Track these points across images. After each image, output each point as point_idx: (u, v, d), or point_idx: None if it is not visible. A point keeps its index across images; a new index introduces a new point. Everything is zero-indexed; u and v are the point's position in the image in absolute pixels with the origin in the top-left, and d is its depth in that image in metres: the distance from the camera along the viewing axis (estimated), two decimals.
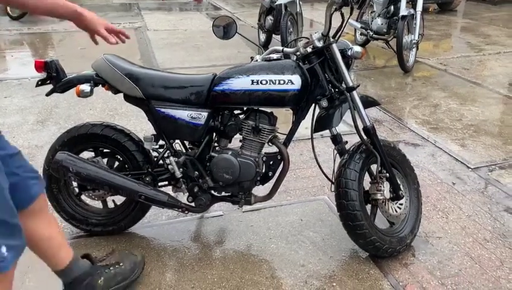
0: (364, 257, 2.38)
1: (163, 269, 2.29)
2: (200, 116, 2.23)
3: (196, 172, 2.31)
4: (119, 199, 2.50)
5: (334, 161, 2.38)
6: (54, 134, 3.76)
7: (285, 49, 2.34)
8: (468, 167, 3.29)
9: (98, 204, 2.56)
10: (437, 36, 7.29)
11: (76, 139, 2.34)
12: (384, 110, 4.21)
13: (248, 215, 2.69)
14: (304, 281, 2.21)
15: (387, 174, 2.32)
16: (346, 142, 2.40)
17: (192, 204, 2.35)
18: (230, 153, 2.27)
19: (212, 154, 2.28)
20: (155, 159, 2.35)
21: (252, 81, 2.17)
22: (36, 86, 2.28)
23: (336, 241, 2.49)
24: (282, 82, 2.17)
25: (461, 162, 3.36)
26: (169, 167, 2.31)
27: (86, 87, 2.23)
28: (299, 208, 2.78)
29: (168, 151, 2.32)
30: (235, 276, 2.24)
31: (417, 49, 5.46)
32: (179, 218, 2.68)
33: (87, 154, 2.42)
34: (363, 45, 6.04)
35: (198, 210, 2.38)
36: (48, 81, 2.29)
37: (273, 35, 6.30)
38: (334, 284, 2.20)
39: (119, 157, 2.41)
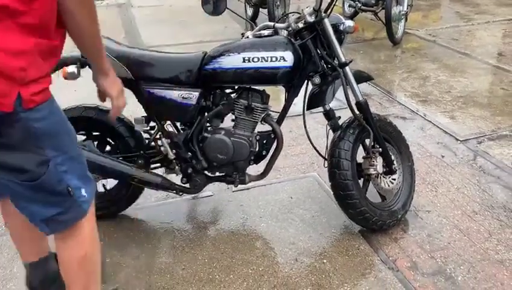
0: (354, 233, 2.39)
1: (154, 251, 2.28)
2: (191, 96, 2.18)
3: (189, 153, 2.28)
4: (110, 184, 2.47)
5: (327, 136, 2.36)
6: None
7: (277, 24, 2.29)
8: (457, 140, 3.29)
9: None
10: (426, 6, 7.20)
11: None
12: (373, 84, 4.17)
13: (238, 195, 2.67)
14: (294, 259, 2.22)
15: (380, 149, 2.31)
16: (339, 117, 2.38)
17: (187, 185, 2.33)
18: (223, 133, 2.23)
19: (205, 134, 2.24)
20: (147, 141, 2.31)
21: (244, 58, 2.12)
22: None
23: (325, 218, 2.49)
24: (274, 59, 2.12)
25: (450, 134, 3.35)
26: (162, 148, 2.28)
27: (72, 68, 2.16)
28: (288, 186, 2.77)
29: (159, 133, 2.28)
30: (225, 256, 2.24)
31: (406, 20, 5.39)
32: (168, 199, 2.66)
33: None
34: (351, 17, 5.94)
35: (193, 191, 2.36)
36: None
37: (260, 9, 6.19)
38: (325, 261, 2.21)
39: (109, 140, 2.36)
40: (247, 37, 2.35)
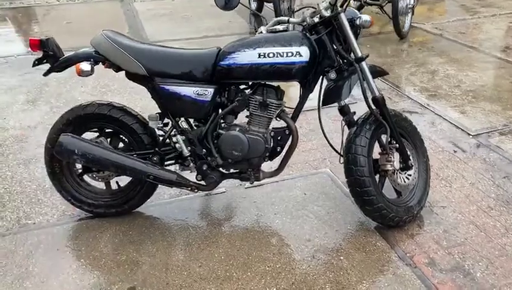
0: (370, 229, 2.37)
1: (169, 249, 2.26)
2: (206, 92, 2.16)
3: (204, 150, 2.26)
4: (123, 181, 2.45)
5: (343, 132, 2.34)
6: (46, 113, 3.68)
7: (291, 19, 2.26)
8: (469, 134, 3.27)
9: (100, 185, 2.50)
10: (431, 0, 7.15)
11: (81, 119, 2.27)
12: (382, 79, 4.14)
13: (251, 191, 2.66)
14: (311, 256, 2.20)
15: (397, 145, 2.29)
16: (354, 112, 2.36)
17: (202, 182, 2.31)
18: (238, 129, 2.22)
19: (220, 131, 2.22)
20: (161, 138, 2.29)
21: (259, 54, 2.10)
22: (33, 66, 2.21)
23: (341, 215, 2.48)
24: (290, 54, 2.10)
25: (461, 129, 3.34)
26: (177, 145, 2.26)
27: (86, 66, 2.14)
28: (301, 182, 2.76)
29: (174, 130, 2.26)
30: (242, 253, 2.23)
31: (413, 14, 5.35)
32: (181, 196, 2.64)
33: (89, 135, 2.36)
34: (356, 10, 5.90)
35: (207, 188, 2.34)
36: (45, 60, 2.20)
37: (265, 2, 6.14)
38: (342, 257, 2.20)
39: (123, 137, 2.34)
40: (261, 32, 2.33)
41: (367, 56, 2.21)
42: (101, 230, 2.39)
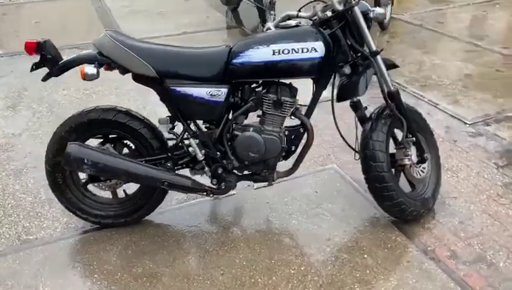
0: (387, 224, 2.35)
1: (187, 257, 2.17)
2: (220, 92, 2.07)
3: (218, 153, 2.17)
4: (131, 189, 2.33)
5: (356, 127, 2.31)
6: (29, 120, 3.48)
7: (300, 13, 2.19)
8: (466, 123, 3.31)
9: (106, 194, 2.37)
10: None
11: (85, 125, 2.13)
12: None
13: (262, 192, 2.59)
14: (334, 256, 2.16)
15: (414, 139, 2.27)
16: (366, 107, 2.33)
17: (216, 186, 2.22)
18: (252, 130, 2.14)
19: (236, 132, 2.14)
20: (174, 142, 2.19)
21: (274, 51, 2.03)
22: (31, 71, 2.07)
23: (355, 211, 2.45)
24: (305, 50, 2.04)
25: (458, 118, 3.37)
26: (190, 149, 2.16)
27: (91, 69, 2.01)
28: (310, 180, 2.71)
29: (186, 133, 2.16)
30: (263, 257, 2.16)
31: (392, 4, 5.38)
32: (189, 201, 2.55)
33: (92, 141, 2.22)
34: None
35: (223, 192, 2.26)
36: (43, 64, 2.05)
37: None
38: (365, 255, 2.16)
39: (129, 143, 2.22)
40: (269, 28, 2.26)
41: (381, 50, 2.17)
42: (111, 242, 2.27)
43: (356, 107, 2.33)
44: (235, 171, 2.23)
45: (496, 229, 2.31)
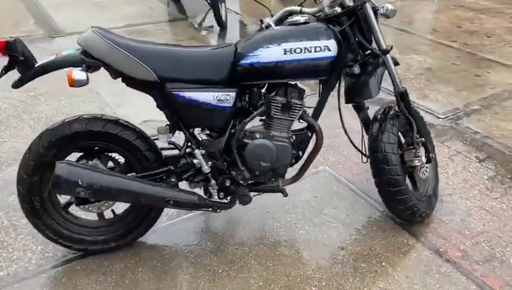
0: (394, 227, 2.29)
1: (196, 281, 1.94)
2: (228, 97, 1.86)
3: (225, 163, 1.95)
4: (119, 208, 2.04)
5: (362, 129, 2.21)
6: None
7: (304, 9, 2.03)
8: (439, 117, 3.35)
9: (90, 216, 2.06)
10: None
11: (67, 139, 1.81)
12: None
13: (259, 200, 2.38)
14: (352, 267, 2.05)
15: (423, 139, 2.21)
16: (368, 107, 2.24)
17: (224, 200, 2.01)
18: (262, 136, 1.95)
19: (245, 140, 1.93)
20: (174, 154, 1.93)
21: (285, 50, 1.85)
22: (0, 76, 1.69)
23: (360, 215, 2.36)
24: (318, 49, 1.88)
25: (430, 113, 3.41)
26: (195, 161, 1.91)
27: (81, 74, 1.70)
28: (307, 184, 2.57)
29: (189, 143, 1.92)
30: (279, 275, 1.99)
31: None
32: (181, 216, 2.30)
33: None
34: None
35: (231, 206, 2.04)
36: (13, 68, 1.71)
37: None
38: (383, 263, 2.08)
39: (117, 156, 1.93)
40: (269, 24, 2.09)
41: (391, 48, 2.08)
42: (103, 271, 1.97)
43: (360, 108, 2.24)
44: (241, 182, 2.03)
45: (496, 225, 2.33)
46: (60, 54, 1.78)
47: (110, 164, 1.98)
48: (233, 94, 1.88)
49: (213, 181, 1.97)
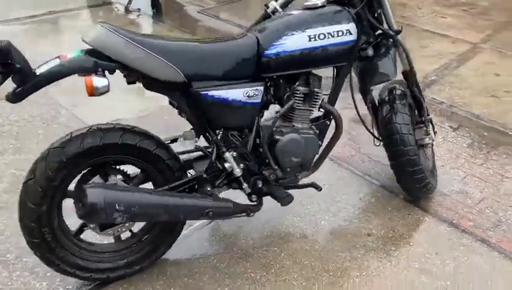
0: (406, 205, 2.33)
1: None
2: (257, 92, 1.71)
3: (256, 164, 1.81)
4: (137, 226, 1.81)
5: (370, 112, 2.20)
6: None
7: None
8: None
9: (104, 240, 1.81)
10: None
11: (80, 156, 1.54)
12: None
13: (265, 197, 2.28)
14: (384, 252, 2.04)
15: (431, 117, 2.24)
16: (372, 90, 2.22)
17: (256, 202, 1.87)
18: (289, 131, 1.84)
19: (276, 137, 1.79)
20: (211, 160, 1.74)
21: (309, 37, 1.75)
22: None
23: (373, 198, 2.36)
24: (340, 34, 1.80)
25: None
26: (226, 165, 1.74)
27: (102, 80, 1.45)
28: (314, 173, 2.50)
29: (216, 146, 1.74)
30: (318, 271, 1.92)
31: None
32: (194, 225, 2.12)
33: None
34: None
35: (258, 208, 1.91)
36: (10, 77, 1.40)
37: None
38: (411, 243, 2.10)
39: (135, 168, 1.70)
40: (275, 9, 1.97)
41: (402, 28, 2.06)
42: None
43: (366, 91, 2.20)
44: (273, 182, 1.90)
45: (491, 191, 2.46)
46: (64, 57, 1.48)
47: (119, 176, 1.73)
48: (261, 88, 1.74)
49: (245, 184, 1.81)
